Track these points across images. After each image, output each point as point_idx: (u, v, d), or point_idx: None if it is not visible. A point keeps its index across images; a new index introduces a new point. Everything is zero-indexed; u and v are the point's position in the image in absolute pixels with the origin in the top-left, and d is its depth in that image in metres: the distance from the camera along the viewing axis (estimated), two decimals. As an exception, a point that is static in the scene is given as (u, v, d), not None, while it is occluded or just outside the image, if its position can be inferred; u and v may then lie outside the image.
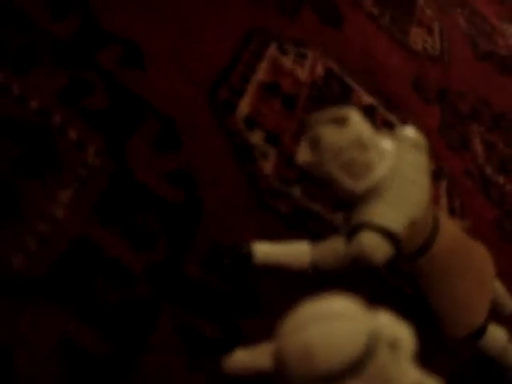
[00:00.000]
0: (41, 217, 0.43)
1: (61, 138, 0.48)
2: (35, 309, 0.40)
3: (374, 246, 0.44)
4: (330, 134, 0.44)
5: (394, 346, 0.31)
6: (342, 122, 0.44)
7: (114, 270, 0.44)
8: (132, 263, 0.45)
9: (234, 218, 0.52)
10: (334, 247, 0.47)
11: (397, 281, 0.59)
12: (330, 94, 0.72)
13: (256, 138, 0.59)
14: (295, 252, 0.48)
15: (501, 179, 0.87)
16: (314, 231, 0.56)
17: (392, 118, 0.77)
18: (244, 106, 0.62)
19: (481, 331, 0.53)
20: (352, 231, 0.45)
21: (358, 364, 0.27)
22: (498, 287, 0.59)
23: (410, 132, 0.49)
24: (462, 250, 0.52)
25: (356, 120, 0.44)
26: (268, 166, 0.58)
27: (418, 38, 1.01)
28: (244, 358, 0.42)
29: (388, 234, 0.44)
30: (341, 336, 0.27)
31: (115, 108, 0.52)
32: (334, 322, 0.27)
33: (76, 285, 0.42)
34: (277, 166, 0.58)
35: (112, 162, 0.49)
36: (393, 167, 0.46)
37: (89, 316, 0.42)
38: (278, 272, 0.49)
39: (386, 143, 0.46)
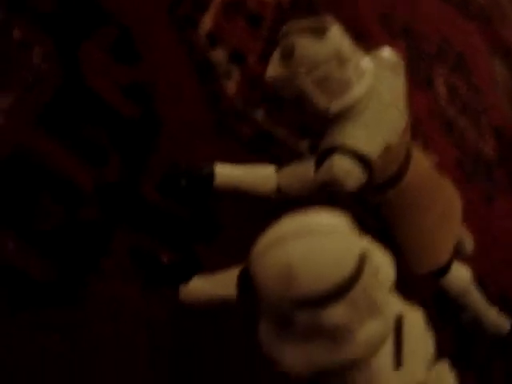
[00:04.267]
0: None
1: (2, 36, 0.42)
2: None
3: (347, 170, 0.40)
4: (306, 46, 0.40)
5: (378, 271, 0.28)
6: (320, 33, 0.40)
7: (60, 188, 0.40)
8: (81, 181, 0.41)
9: (193, 140, 0.48)
10: (301, 171, 0.44)
11: (361, 212, 0.56)
12: (296, 17, 0.67)
13: (219, 55, 0.55)
14: (259, 176, 0.44)
15: (462, 121, 0.86)
16: (278, 157, 0.52)
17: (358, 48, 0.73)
18: (206, 22, 0.57)
19: (445, 269, 0.51)
20: (323, 155, 0.42)
21: (345, 287, 0.24)
22: (459, 227, 0.57)
23: (388, 53, 0.45)
24: (432, 184, 0.50)
25: (336, 32, 0.40)
26: (231, 87, 0.53)
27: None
28: (203, 285, 0.39)
29: (362, 159, 0.41)
30: (328, 254, 0.23)
31: (67, 10, 0.47)
32: (321, 238, 0.24)
33: (16, 201, 0.38)
34: (240, 87, 0.54)
35: (61, 67, 0.44)
36: (370, 88, 0.42)
37: (31, 237, 0.37)
38: (239, 197, 0.45)
39: (365, 61, 0.43)
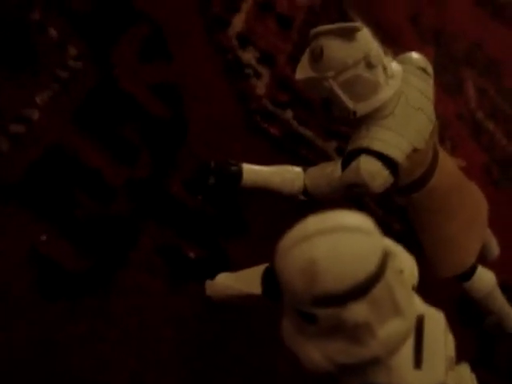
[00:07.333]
0: (15, 118, 0.39)
1: (39, 35, 0.43)
2: (4, 216, 0.37)
3: (373, 172, 0.41)
4: (335, 48, 0.40)
5: (401, 270, 0.28)
6: (348, 35, 0.40)
7: (92, 182, 0.41)
8: (112, 177, 0.42)
9: (221, 138, 0.49)
10: (328, 173, 0.44)
11: (385, 215, 0.56)
12: (327, 20, 0.68)
13: (249, 56, 0.55)
14: (286, 175, 0.45)
15: (491, 126, 0.85)
16: (305, 158, 0.53)
17: (388, 51, 0.73)
18: (237, 23, 0.57)
19: (469, 273, 0.51)
20: (349, 156, 0.42)
21: (367, 285, 0.24)
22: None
23: (416, 57, 0.46)
24: (458, 188, 0.50)
25: (365, 35, 0.41)
26: (260, 87, 0.54)
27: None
28: (229, 281, 0.40)
29: (388, 161, 0.41)
30: (351, 251, 0.24)
31: (100, 11, 0.48)
32: (345, 236, 0.24)
33: (50, 195, 0.39)
34: (269, 88, 0.55)
35: (95, 66, 0.45)
36: (398, 91, 0.42)
37: (63, 229, 0.38)
38: (266, 196, 0.46)
39: (393, 65, 0.43)
